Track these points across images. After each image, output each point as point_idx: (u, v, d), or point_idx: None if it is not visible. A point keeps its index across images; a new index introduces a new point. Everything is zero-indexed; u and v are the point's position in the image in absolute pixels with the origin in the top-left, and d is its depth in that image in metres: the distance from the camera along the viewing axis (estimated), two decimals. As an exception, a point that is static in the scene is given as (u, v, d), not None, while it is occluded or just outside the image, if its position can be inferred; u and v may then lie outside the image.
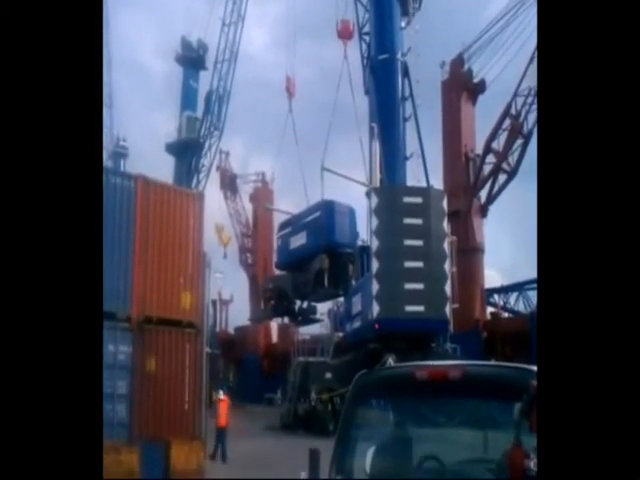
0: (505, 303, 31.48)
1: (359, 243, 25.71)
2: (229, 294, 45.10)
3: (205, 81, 42.07)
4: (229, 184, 45.26)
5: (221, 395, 17.38)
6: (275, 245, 34.16)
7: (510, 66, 27.77)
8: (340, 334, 25.97)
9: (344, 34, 28.20)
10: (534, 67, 26.47)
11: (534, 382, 2.75)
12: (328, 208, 26.64)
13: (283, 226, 31.66)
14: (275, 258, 33.60)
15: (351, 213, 27.17)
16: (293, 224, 29.89)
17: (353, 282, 25.28)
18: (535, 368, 3.30)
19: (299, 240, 28.46)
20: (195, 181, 40.74)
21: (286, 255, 30.11)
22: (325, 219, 26.46)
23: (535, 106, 27.02)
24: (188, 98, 43.86)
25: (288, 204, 34.49)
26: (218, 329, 42.31)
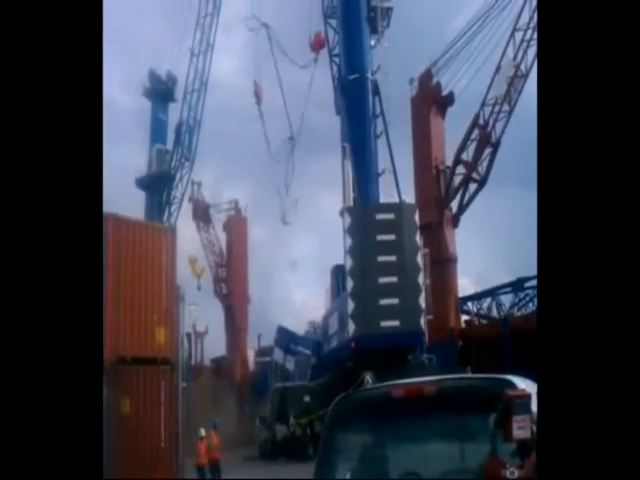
0: (479, 310, 31.70)
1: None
2: (204, 326, 44.46)
3: (175, 112, 41.72)
4: (202, 215, 44.89)
5: (202, 433, 16.50)
6: None
7: (477, 77, 28.13)
8: (316, 356, 25.77)
9: (316, 45, 28.42)
10: (500, 77, 27.03)
11: (507, 391, 2.80)
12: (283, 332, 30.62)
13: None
14: None
15: None
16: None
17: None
18: (508, 377, 3.35)
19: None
20: (167, 214, 40.23)
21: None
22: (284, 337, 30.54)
23: (502, 114, 27.58)
24: (158, 131, 43.24)
25: (262, 231, 34.44)
26: (193, 362, 41.56)
